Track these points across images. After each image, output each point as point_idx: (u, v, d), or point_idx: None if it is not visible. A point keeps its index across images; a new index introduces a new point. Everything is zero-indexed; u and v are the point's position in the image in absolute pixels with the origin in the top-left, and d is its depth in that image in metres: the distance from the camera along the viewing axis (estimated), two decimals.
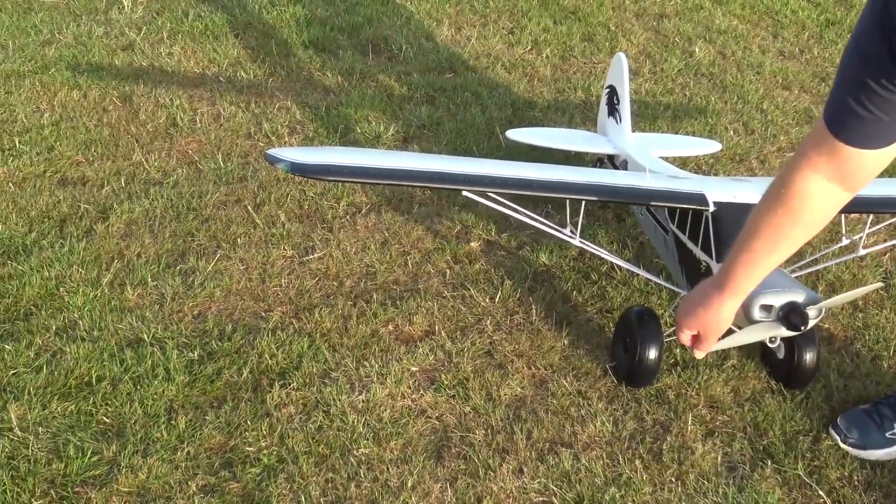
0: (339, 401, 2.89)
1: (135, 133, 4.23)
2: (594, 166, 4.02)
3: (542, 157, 3.98)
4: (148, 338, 3.07)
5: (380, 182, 3.37)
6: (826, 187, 2.10)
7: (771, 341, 2.84)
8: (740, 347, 3.17)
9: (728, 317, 2.33)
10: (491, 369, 3.07)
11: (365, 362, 3.05)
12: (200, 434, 2.74)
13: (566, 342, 3.20)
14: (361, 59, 5.11)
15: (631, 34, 5.63)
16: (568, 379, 3.04)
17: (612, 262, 3.42)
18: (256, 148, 4.17)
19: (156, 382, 2.90)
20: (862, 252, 3.31)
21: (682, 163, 4.14)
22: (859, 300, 3.49)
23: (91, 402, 2.82)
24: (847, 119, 1.97)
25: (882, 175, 2.20)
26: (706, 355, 2.63)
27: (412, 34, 5.41)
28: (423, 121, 4.53)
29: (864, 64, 1.91)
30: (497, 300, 3.37)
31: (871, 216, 3.32)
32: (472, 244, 3.67)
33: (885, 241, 3.60)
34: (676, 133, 4.59)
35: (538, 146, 4.04)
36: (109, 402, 2.83)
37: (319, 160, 2.99)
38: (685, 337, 2.38)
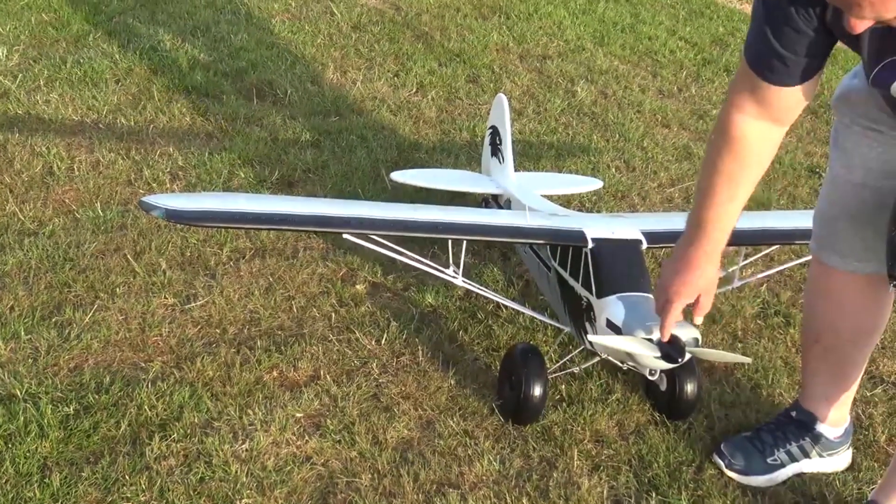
0: (222, 451, 2.82)
1: (9, 183, 4.11)
2: (480, 206, 4.05)
3: (427, 198, 3.99)
4: (21, 393, 2.96)
5: (258, 227, 3.33)
6: (758, 125, 2.38)
7: (651, 374, 2.88)
8: (624, 381, 3.21)
9: (714, 271, 2.57)
10: (377, 412, 3.04)
11: (248, 410, 2.99)
12: (76, 491, 2.64)
13: (453, 382, 3.19)
14: (245, 103, 5.07)
15: (515, 75, 5.72)
16: (455, 419, 3.03)
17: (497, 301, 3.43)
18: (137, 195, 4.07)
19: (28, 439, 2.78)
20: (738, 283, 3.40)
21: (566, 200, 4.20)
22: (738, 330, 3.58)
23: None
24: (764, 58, 2.26)
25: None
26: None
27: (297, 78, 5.40)
28: (308, 164, 4.50)
29: (771, 9, 2.20)
30: (383, 342, 3.35)
31: (746, 248, 3.41)
32: (358, 287, 3.65)
33: (762, 271, 3.70)
34: (560, 171, 4.66)
35: (424, 187, 4.06)
36: None
37: (196, 206, 2.95)
38: (678, 307, 2.60)
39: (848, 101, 2.55)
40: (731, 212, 2.51)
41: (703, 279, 2.57)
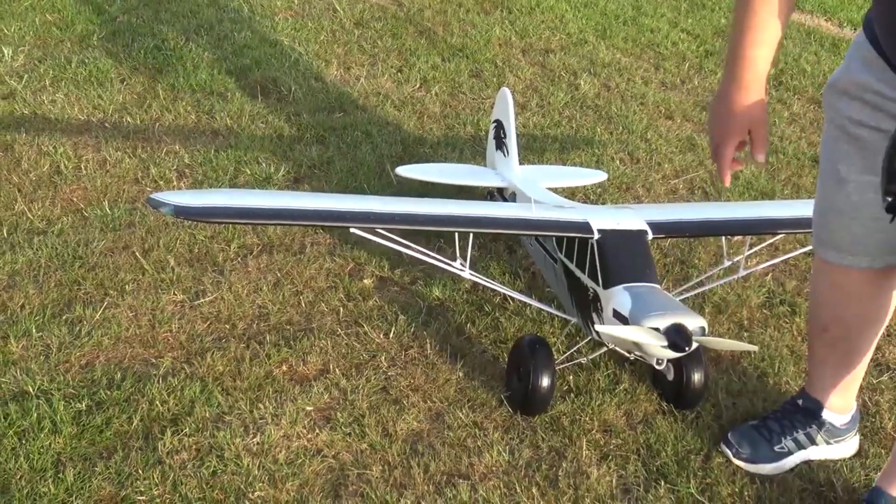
0: (234, 444, 2.85)
1: (17, 182, 4.14)
2: (485, 199, 4.07)
3: (432, 192, 4.01)
4: (33, 390, 2.98)
5: (266, 223, 3.35)
6: None
7: (658, 363, 2.89)
8: (631, 371, 3.23)
9: (760, 103, 2.47)
10: (387, 405, 3.06)
11: (259, 404, 3.02)
12: (89, 486, 2.67)
13: (461, 374, 3.21)
14: (250, 100, 5.09)
15: (518, 69, 5.73)
16: (464, 411, 3.05)
17: (503, 293, 3.45)
18: (144, 193, 4.11)
19: (42, 435, 2.81)
20: (743, 273, 3.41)
21: (571, 193, 4.22)
22: (744, 319, 3.59)
23: None
24: None
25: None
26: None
27: (301, 75, 5.42)
28: (313, 161, 4.53)
29: None
30: (391, 336, 3.37)
31: (751, 238, 3.43)
32: (366, 281, 3.67)
33: (767, 261, 3.71)
34: (564, 164, 4.67)
35: (429, 182, 4.08)
36: None
37: (204, 203, 2.97)
38: (729, 150, 2.50)
39: (835, 89, 2.53)
40: (771, 29, 2.42)
41: (747, 113, 2.48)
